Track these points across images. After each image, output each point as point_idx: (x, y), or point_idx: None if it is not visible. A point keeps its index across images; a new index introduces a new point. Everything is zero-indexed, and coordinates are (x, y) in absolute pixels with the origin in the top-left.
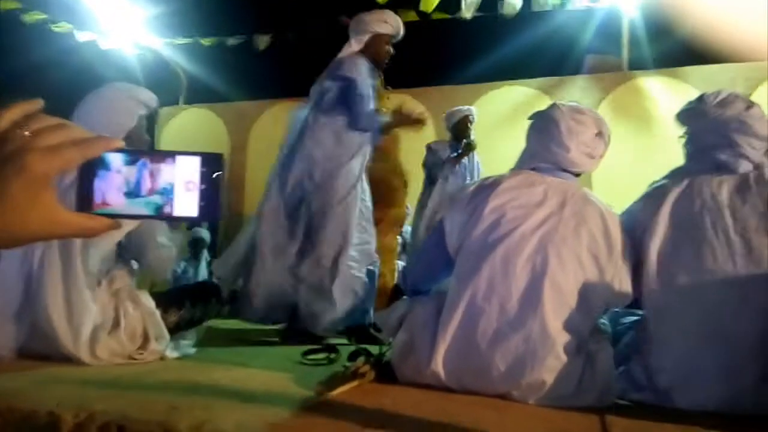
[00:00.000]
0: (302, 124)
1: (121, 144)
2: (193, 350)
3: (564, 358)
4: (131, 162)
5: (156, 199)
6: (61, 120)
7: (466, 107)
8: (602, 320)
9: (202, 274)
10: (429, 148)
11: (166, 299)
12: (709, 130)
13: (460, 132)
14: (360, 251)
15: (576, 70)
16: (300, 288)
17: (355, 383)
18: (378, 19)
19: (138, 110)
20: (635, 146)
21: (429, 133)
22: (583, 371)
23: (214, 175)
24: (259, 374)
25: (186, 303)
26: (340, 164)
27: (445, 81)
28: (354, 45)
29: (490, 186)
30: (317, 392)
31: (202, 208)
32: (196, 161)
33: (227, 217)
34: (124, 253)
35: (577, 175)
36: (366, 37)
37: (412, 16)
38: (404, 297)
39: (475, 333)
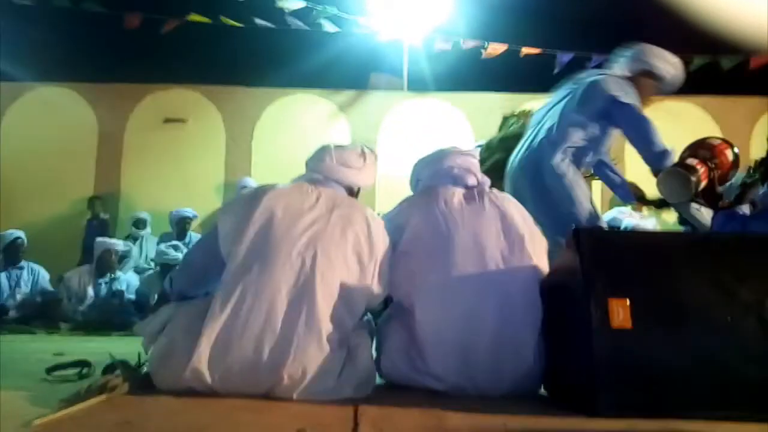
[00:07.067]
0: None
1: None
2: None
3: (327, 348)
4: None
5: None
6: None
7: None
8: (366, 317)
9: None
10: None
11: None
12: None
13: None
14: None
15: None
16: None
17: (102, 397)
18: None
19: None
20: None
21: None
22: (344, 364)
23: None
24: None
25: None
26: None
27: (239, 82)
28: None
29: (264, 191)
30: (55, 410)
31: None
32: None
33: None
34: None
35: (350, 190)
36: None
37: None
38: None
39: (244, 327)
